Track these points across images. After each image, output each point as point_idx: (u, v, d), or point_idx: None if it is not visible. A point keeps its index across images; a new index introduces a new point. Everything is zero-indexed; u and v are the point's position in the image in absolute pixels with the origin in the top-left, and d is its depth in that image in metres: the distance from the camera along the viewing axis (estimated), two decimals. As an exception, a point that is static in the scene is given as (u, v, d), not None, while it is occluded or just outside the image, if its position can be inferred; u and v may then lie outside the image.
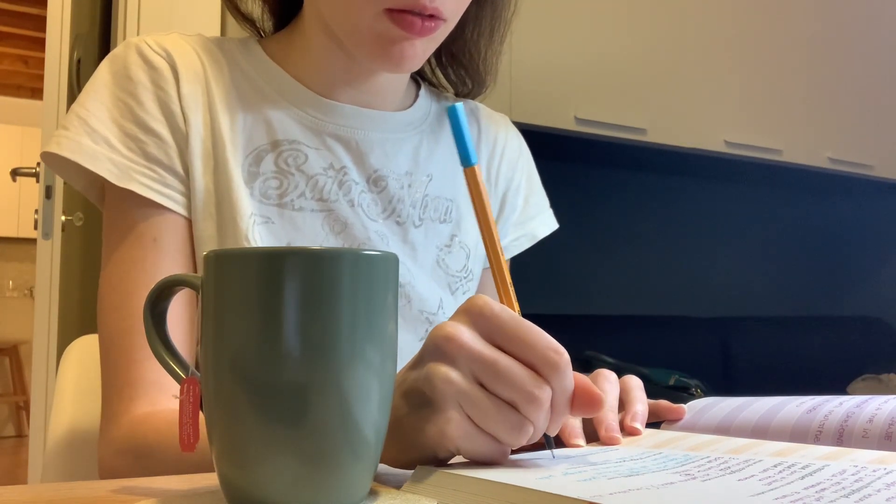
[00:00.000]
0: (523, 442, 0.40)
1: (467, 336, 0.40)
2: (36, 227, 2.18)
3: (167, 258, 0.64)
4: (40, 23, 3.05)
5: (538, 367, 0.40)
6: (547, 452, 0.43)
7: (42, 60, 2.26)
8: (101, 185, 0.67)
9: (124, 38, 1.61)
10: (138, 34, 1.52)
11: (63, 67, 2.15)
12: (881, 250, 3.04)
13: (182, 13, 1.62)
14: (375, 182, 0.71)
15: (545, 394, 0.39)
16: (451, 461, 0.42)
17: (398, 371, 0.44)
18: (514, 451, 0.43)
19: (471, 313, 0.41)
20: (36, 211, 2.17)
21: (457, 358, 0.39)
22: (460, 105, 0.45)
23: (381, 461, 0.43)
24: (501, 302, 0.44)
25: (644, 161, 2.41)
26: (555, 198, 0.86)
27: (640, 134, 2.06)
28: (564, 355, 0.40)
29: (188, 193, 0.65)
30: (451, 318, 0.41)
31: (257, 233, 0.65)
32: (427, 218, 0.73)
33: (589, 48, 2.01)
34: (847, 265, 3.06)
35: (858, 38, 2.56)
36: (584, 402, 0.41)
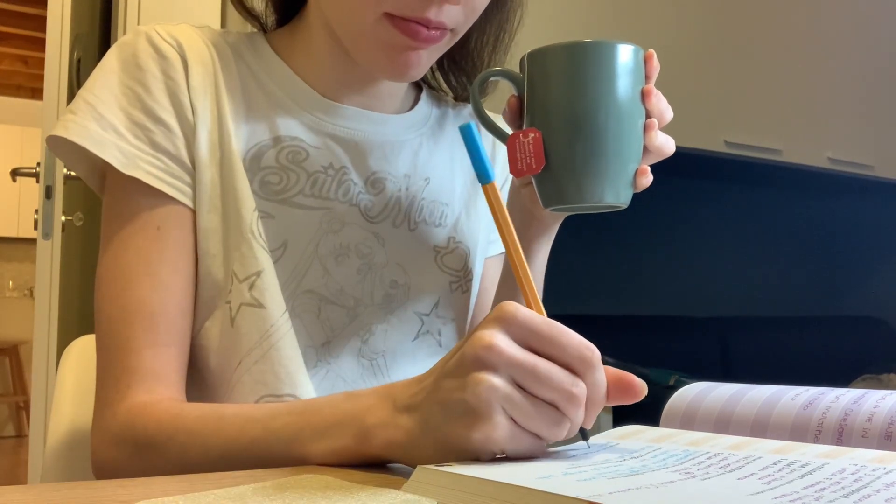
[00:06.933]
0: (563, 437, 0.43)
1: (505, 343, 0.42)
2: (36, 227, 2.18)
3: (170, 248, 0.63)
4: (40, 23, 3.04)
5: (573, 366, 0.43)
6: (582, 443, 0.46)
7: (42, 60, 2.25)
8: (102, 172, 0.66)
9: (124, 38, 1.61)
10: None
11: (63, 67, 2.15)
12: (881, 250, 3.03)
13: (182, 13, 1.62)
14: (374, 184, 0.70)
15: (581, 391, 0.43)
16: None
17: (422, 375, 0.46)
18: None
19: (503, 321, 0.43)
20: (36, 211, 2.17)
21: (498, 365, 0.42)
22: (472, 124, 0.47)
23: (418, 462, 0.44)
24: (529, 307, 0.46)
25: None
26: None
27: (640, 134, 2.05)
28: (596, 352, 0.43)
29: (194, 185, 0.64)
30: (483, 327, 0.43)
31: (260, 226, 0.65)
32: (422, 221, 0.73)
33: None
34: (847, 265, 3.06)
35: (858, 37, 2.56)
36: (622, 390, 0.45)
